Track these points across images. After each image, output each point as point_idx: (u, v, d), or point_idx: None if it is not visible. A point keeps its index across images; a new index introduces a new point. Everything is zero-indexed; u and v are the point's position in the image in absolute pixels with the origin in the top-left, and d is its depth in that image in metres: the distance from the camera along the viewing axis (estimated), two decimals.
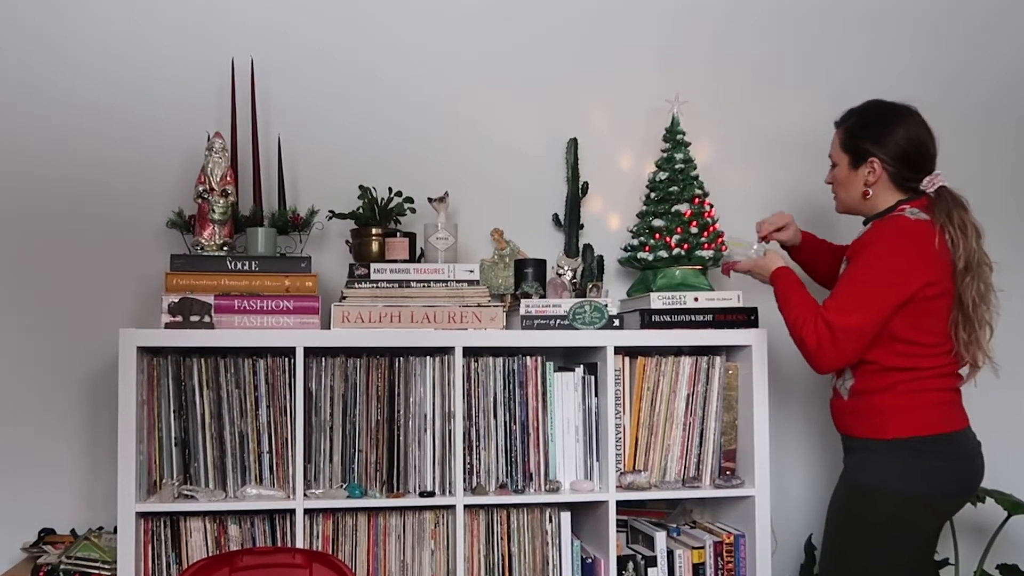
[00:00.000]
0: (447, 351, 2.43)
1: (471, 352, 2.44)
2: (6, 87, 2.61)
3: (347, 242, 2.60)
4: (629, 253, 2.72)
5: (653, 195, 2.71)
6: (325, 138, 2.72)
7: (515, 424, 2.47)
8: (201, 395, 2.36)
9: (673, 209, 2.65)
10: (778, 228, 2.48)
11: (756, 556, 2.49)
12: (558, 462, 2.50)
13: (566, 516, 2.48)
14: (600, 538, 2.49)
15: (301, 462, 2.33)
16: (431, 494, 2.40)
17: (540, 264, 2.63)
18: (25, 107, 2.61)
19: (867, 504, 2.18)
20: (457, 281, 2.47)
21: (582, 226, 2.80)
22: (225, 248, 2.42)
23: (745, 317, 2.55)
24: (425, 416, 2.43)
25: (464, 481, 2.41)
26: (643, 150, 2.85)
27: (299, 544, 2.32)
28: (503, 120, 2.82)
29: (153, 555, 2.32)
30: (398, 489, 2.41)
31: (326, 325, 2.41)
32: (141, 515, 2.30)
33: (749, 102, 2.93)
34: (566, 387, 2.51)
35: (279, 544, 2.35)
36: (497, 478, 2.46)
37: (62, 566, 2.30)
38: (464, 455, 2.42)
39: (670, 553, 2.51)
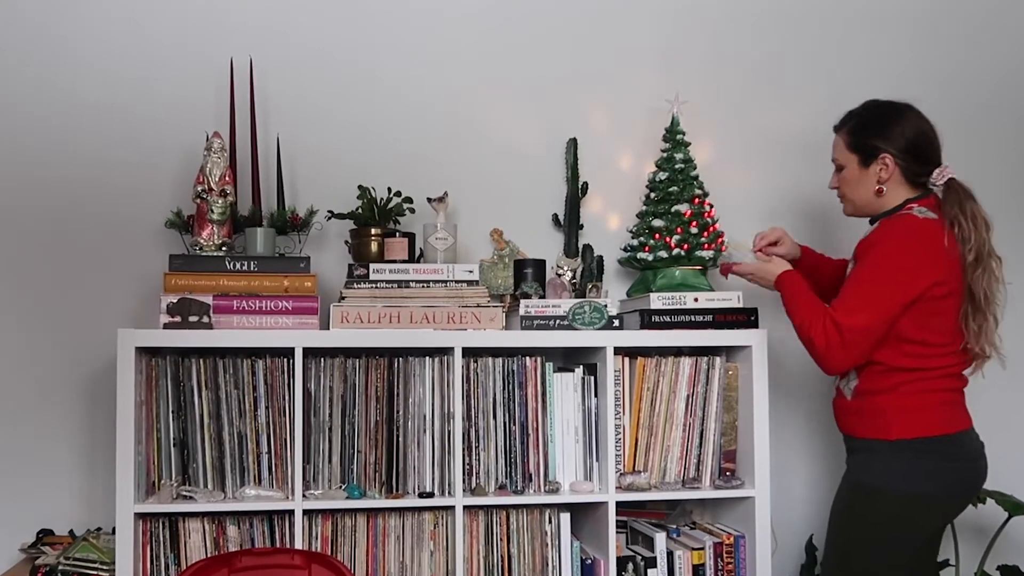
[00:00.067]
0: (446, 351, 2.43)
1: (470, 352, 2.44)
2: (5, 87, 2.60)
3: (346, 242, 2.59)
4: (629, 253, 2.71)
5: (653, 195, 2.71)
6: (324, 138, 2.71)
7: (514, 425, 2.47)
8: (200, 395, 2.36)
9: (673, 209, 2.64)
10: (772, 243, 2.44)
11: (756, 557, 2.49)
12: (558, 463, 2.50)
13: (566, 517, 2.47)
14: (600, 539, 2.49)
15: (300, 463, 2.33)
16: (430, 495, 2.40)
17: (540, 264, 2.62)
18: (24, 107, 2.61)
19: (870, 504, 2.17)
20: (456, 281, 2.47)
21: (582, 226, 2.79)
22: (224, 248, 2.42)
23: (745, 317, 2.55)
24: (424, 417, 2.43)
25: (463, 482, 2.41)
26: (643, 150, 2.84)
27: (298, 545, 2.32)
28: (502, 120, 2.82)
29: (152, 556, 2.32)
30: (397, 490, 2.41)
31: (325, 325, 2.41)
32: (140, 516, 2.30)
33: (749, 102, 2.93)
34: (566, 388, 2.51)
35: (278, 545, 2.35)
36: (496, 479, 2.46)
37: (60, 567, 2.30)
38: (463, 456, 2.41)
39: (670, 554, 2.50)
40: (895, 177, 2.24)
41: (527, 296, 2.54)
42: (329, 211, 2.59)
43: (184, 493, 2.32)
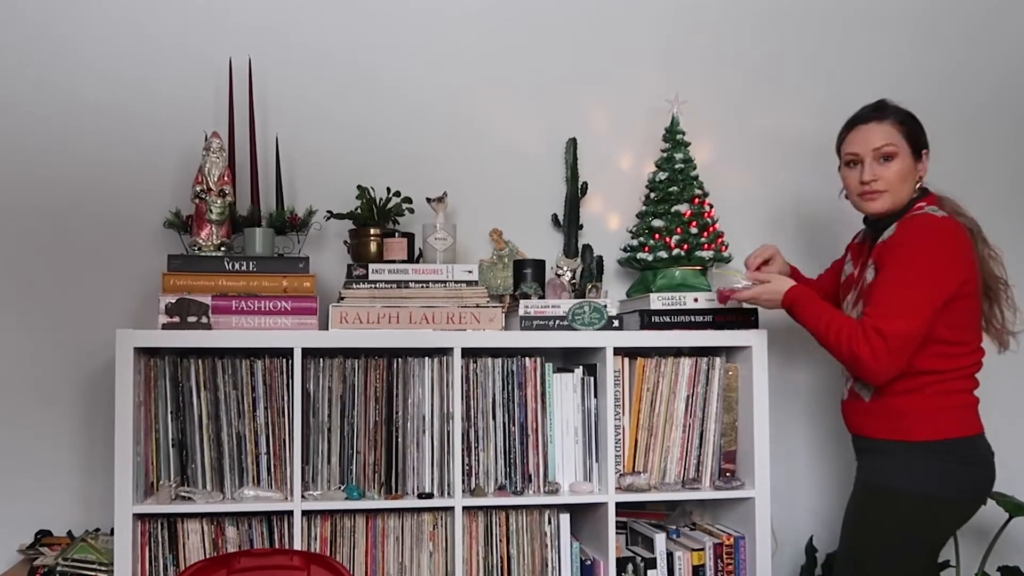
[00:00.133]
0: (446, 352, 2.42)
1: (470, 353, 2.43)
2: (4, 87, 2.60)
3: (345, 242, 2.59)
4: (628, 253, 2.71)
5: (653, 195, 2.70)
6: (323, 138, 2.71)
7: (514, 425, 2.46)
8: (198, 396, 2.35)
9: (673, 209, 2.64)
10: (765, 261, 2.43)
11: (756, 558, 2.48)
12: (557, 463, 2.49)
13: (565, 518, 2.47)
14: (599, 540, 2.48)
15: (299, 463, 2.32)
16: (429, 496, 2.39)
17: (539, 264, 2.62)
18: (23, 107, 2.60)
19: (888, 506, 2.15)
20: (456, 282, 2.46)
21: (581, 226, 2.79)
22: (223, 248, 2.41)
23: (745, 318, 2.55)
24: (423, 417, 2.42)
25: (463, 483, 2.40)
26: (643, 150, 2.84)
27: (297, 546, 2.31)
28: (502, 120, 2.82)
29: (150, 557, 2.31)
30: (396, 491, 2.40)
31: (324, 326, 2.40)
32: (138, 517, 2.29)
33: (749, 102, 2.92)
34: (565, 388, 2.50)
35: (277, 546, 2.35)
36: (496, 480, 2.45)
37: (59, 568, 2.30)
38: (463, 456, 2.41)
39: (670, 555, 2.50)
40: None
41: (526, 296, 2.54)
42: (328, 211, 2.59)
43: (183, 494, 2.32)
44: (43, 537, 2.50)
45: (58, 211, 2.60)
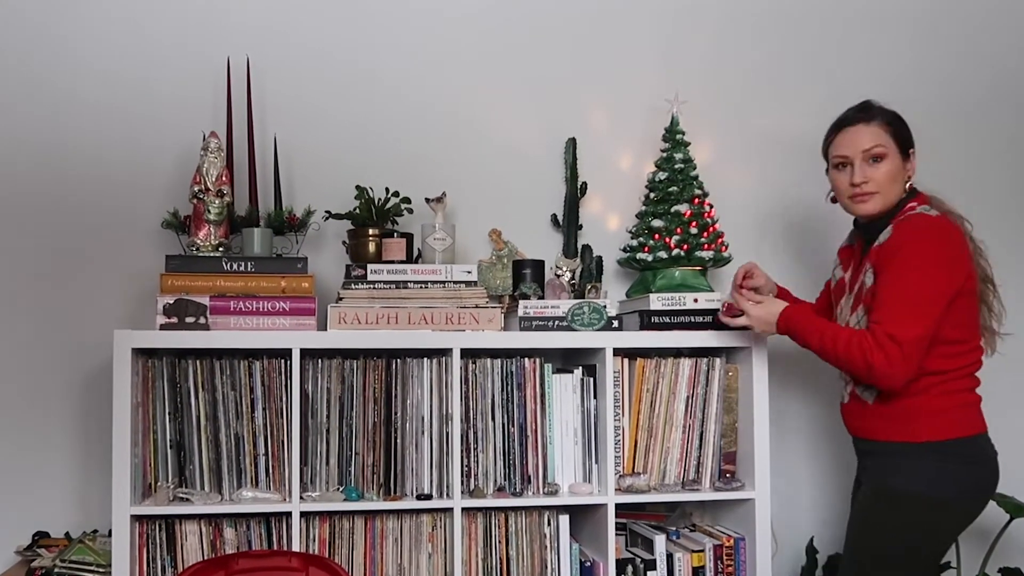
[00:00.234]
0: (445, 353, 2.42)
1: (469, 354, 2.43)
2: (3, 86, 2.59)
3: (344, 243, 2.58)
4: (628, 254, 2.70)
5: (652, 195, 2.70)
6: (322, 138, 2.70)
7: (513, 426, 2.45)
8: (196, 397, 2.35)
9: (672, 209, 2.63)
10: (749, 275, 2.40)
11: (756, 559, 2.48)
12: (557, 464, 2.48)
13: (564, 519, 2.46)
14: (599, 541, 2.47)
15: (297, 464, 2.31)
16: (428, 497, 2.38)
17: (538, 265, 2.61)
18: (21, 106, 2.60)
19: (894, 509, 2.14)
20: (455, 282, 2.45)
21: (581, 226, 2.78)
22: (221, 249, 2.40)
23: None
24: (422, 418, 2.41)
25: (462, 484, 2.39)
26: (642, 150, 2.83)
27: (295, 547, 2.31)
28: (501, 120, 2.81)
29: (148, 558, 2.31)
30: (395, 492, 2.40)
31: (322, 326, 2.40)
32: (136, 518, 2.28)
33: (749, 102, 2.92)
34: (565, 389, 2.50)
35: (275, 547, 2.34)
36: (495, 481, 2.44)
37: (56, 569, 2.29)
38: (462, 457, 2.40)
39: (669, 556, 2.49)
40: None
41: (526, 297, 2.53)
42: (327, 211, 2.58)
43: (181, 495, 2.31)
44: (40, 539, 2.50)
45: (55, 211, 2.60)
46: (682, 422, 2.53)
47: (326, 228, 2.63)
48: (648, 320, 2.50)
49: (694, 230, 2.61)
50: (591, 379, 2.50)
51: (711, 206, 2.67)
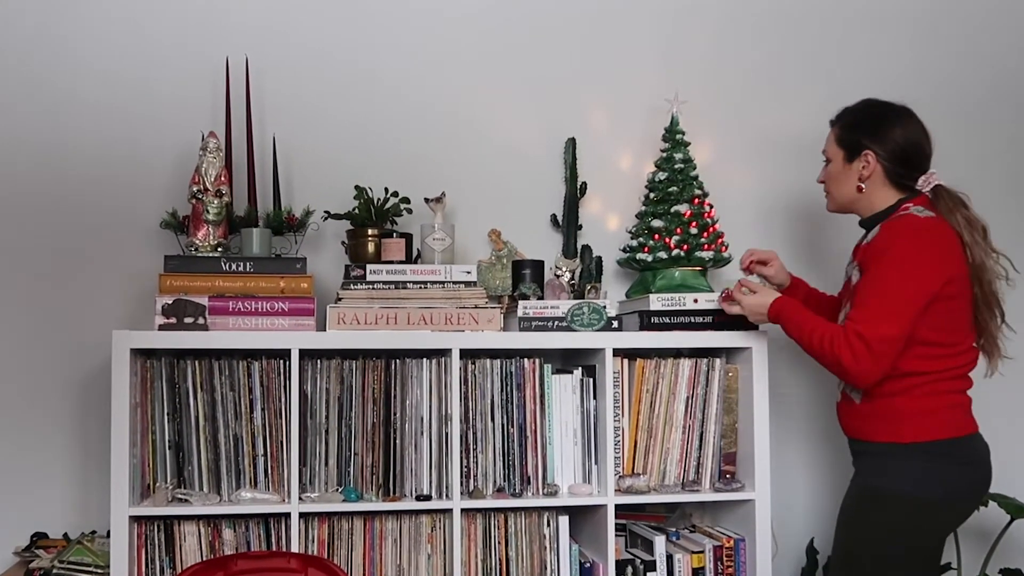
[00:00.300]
0: (444, 353, 2.41)
1: (468, 354, 2.42)
2: (1, 85, 2.58)
3: (343, 243, 2.57)
4: (628, 254, 2.70)
5: (652, 195, 2.69)
6: (320, 138, 2.70)
7: (513, 427, 2.45)
8: (195, 398, 2.34)
9: (672, 210, 2.63)
10: (762, 263, 2.44)
11: (756, 560, 2.47)
12: (556, 465, 2.48)
13: (564, 520, 2.46)
14: (599, 542, 2.47)
15: (296, 465, 2.31)
16: (428, 498, 2.38)
17: (538, 265, 2.60)
18: (19, 106, 2.59)
19: (881, 508, 2.15)
20: (454, 282, 2.45)
21: (580, 227, 2.78)
22: (219, 249, 2.40)
23: (745, 319, 2.52)
24: (422, 419, 2.41)
25: (461, 484, 2.39)
26: (642, 150, 2.83)
27: (294, 548, 2.30)
28: (501, 120, 2.80)
29: (146, 559, 2.30)
30: (394, 493, 2.39)
31: (321, 327, 2.39)
32: (134, 519, 2.28)
33: (749, 102, 2.92)
34: (564, 389, 2.49)
35: (274, 548, 2.34)
36: (494, 481, 2.44)
37: (54, 570, 2.29)
38: (461, 458, 2.39)
39: (669, 557, 2.49)
40: (877, 177, 2.24)
41: (525, 297, 2.53)
42: (326, 211, 2.58)
43: (179, 496, 2.30)
44: (39, 539, 2.49)
45: (53, 211, 2.59)
46: (682, 423, 2.53)
47: (325, 228, 2.63)
48: (648, 320, 2.50)
49: (694, 230, 2.60)
50: (591, 380, 2.50)
51: (711, 206, 2.66)
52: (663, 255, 2.60)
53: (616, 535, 2.45)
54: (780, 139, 2.91)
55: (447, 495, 2.39)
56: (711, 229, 2.63)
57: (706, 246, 2.61)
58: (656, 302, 2.51)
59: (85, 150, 2.61)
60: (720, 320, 2.52)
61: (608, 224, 2.84)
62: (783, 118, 2.92)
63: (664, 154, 2.71)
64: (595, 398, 2.49)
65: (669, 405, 2.53)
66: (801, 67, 2.96)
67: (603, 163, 2.84)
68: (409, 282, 2.43)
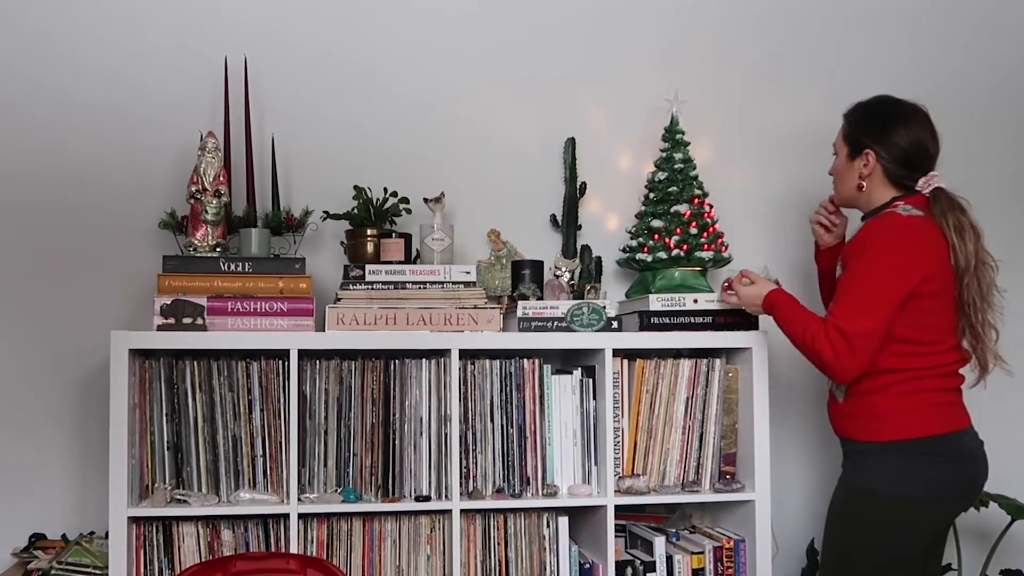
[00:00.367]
0: (443, 353, 2.40)
1: (467, 354, 2.42)
2: (1, 86, 2.58)
3: (342, 243, 2.57)
4: (628, 254, 2.69)
5: (652, 195, 2.69)
6: (319, 138, 2.69)
7: (512, 427, 2.44)
8: (194, 398, 2.33)
9: (672, 210, 2.62)
10: (837, 219, 2.48)
11: (756, 561, 2.47)
12: (556, 466, 2.47)
13: (564, 521, 2.45)
14: (598, 543, 2.46)
15: (295, 466, 2.30)
16: (427, 498, 2.37)
17: (537, 265, 2.60)
18: (17, 106, 2.59)
19: (864, 508, 2.16)
20: (453, 283, 2.44)
21: (580, 227, 2.77)
22: (218, 249, 2.39)
23: (745, 319, 2.53)
24: (421, 419, 2.40)
25: (460, 485, 2.38)
26: (642, 150, 2.82)
27: (293, 549, 2.29)
28: (500, 120, 2.80)
29: (145, 560, 2.30)
30: (393, 493, 2.38)
31: (320, 327, 2.39)
32: (133, 520, 2.27)
33: (749, 102, 2.91)
34: (564, 390, 2.49)
35: (273, 549, 2.33)
36: (494, 482, 2.43)
37: (53, 571, 2.29)
38: (460, 459, 2.39)
39: (669, 558, 2.48)
40: (877, 176, 2.25)
41: (525, 297, 2.52)
42: (324, 212, 2.57)
43: (178, 497, 2.30)
44: (37, 540, 2.49)
45: (52, 211, 2.58)
46: (682, 423, 2.52)
47: (324, 228, 2.62)
48: (647, 321, 2.49)
49: (694, 230, 2.60)
50: (590, 380, 2.49)
51: (711, 206, 2.66)
52: (663, 255, 2.59)
53: (616, 536, 2.45)
54: (780, 139, 2.91)
55: (446, 496, 2.39)
56: (711, 229, 2.62)
57: (706, 246, 2.60)
58: (656, 302, 2.51)
59: (83, 150, 2.60)
60: (720, 320, 2.51)
61: (608, 224, 2.83)
62: (783, 118, 2.92)
63: (664, 154, 2.70)
64: (595, 399, 2.49)
65: (669, 405, 2.52)
66: (801, 67, 2.95)
67: (603, 163, 2.83)
68: (408, 282, 2.43)
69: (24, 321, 2.56)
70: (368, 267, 2.43)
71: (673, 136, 2.70)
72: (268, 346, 2.31)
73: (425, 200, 2.56)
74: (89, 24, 2.62)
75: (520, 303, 2.47)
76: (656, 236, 2.62)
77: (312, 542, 2.35)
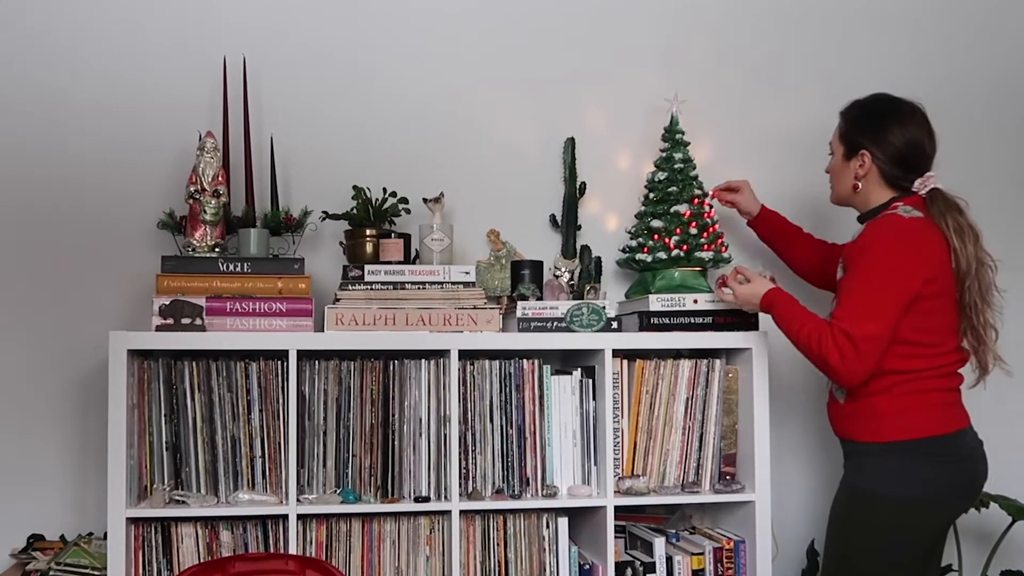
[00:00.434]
0: (442, 354, 2.40)
1: (467, 355, 2.41)
2: None
3: (341, 243, 2.57)
4: (627, 254, 2.69)
5: (652, 195, 2.68)
6: (318, 138, 2.69)
7: (512, 428, 2.44)
8: (192, 399, 2.33)
9: (672, 210, 2.62)
10: (733, 190, 2.55)
11: (757, 562, 2.46)
12: (555, 467, 2.47)
13: (563, 522, 2.45)
14: (598, 544, 2.46)
15: (294, 467, 2.30)
16: (426, 499, 2.37)
17: (537, 265, 2.59)
18: (15, 105, 2.58)
19: (866, 509, 2.16)
20: (453, 283, 2.44)
21: (579, 227, 2.77)
22: (217, 249, 2.39)
23: (745, 319, 2.52)
24: (420, 420, 2.40)
25: (460, 486, 2.38)
26: (642, 150, 2.82)
27: (292, 550, 2.29)
28: (499, 119, 2.79)
29: (144, 561, 2.29)
30: (393, 494, 2.38)
31: (319, 328, 2.38)
32: (132, 521, 2.27)
33: (749, 102, 2.91)
34: (563, 390, 2.48)
35: (272, 550, 2.33)
36: (493, 483, 2.43)
37: (51, 572, 2.28)
38: (460, 460, 2.38)
39: (669, 559, 2.48)
40: (872, 176, 2.25)
41: (524, 298, 2.52)
42: (323, 212, 2.57)
43: (177, 498, 2.29)
44: (35, 541, 2.48)
45: (50, 211, 2.58)
46: (682, 424, 2.52)
47: (323, 229, 2.62)
48: (647, 321, 2.49)
49: (694, 230, 2.59)
50: (590, 381, 2.49)
51: (711, 206, 2.65)
52: (663, 255, 2.59)
53: (616, 537, 2.44)
54: (780, 139, 2.90)
55: (446, 497, 2.38)
56: (711, 229, 2.62)
57: (706, 246, 2.60)
58: (656, 303, 2.50)
59: (82, 150, 2.60)
60: (720, 321, 2.51)
61: (607, 224, 2.83)
62: (783, 118, 2.91)
63: (664, 154, 2.70)
64: (594, 399, 2.48)
65: (669, 406, 2.52)
66: (801, 67, 2.95)
67: (602, 163, 2.83)
68: (407, 283, 2.42)
69: (22, 321, 2.56)
70: (367, 267, 2.42)
71: (673, 136, 2.69)
72: (267, 346, 2.31)
73: (424, 200, 2.55)
74: (89, 24, 2.61)
75: (520, 303, 2.47)
76: (656, 236, 2.62)
77: (311, 543, 2.34)
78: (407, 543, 2.39)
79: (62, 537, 2.51)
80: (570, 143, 2.78)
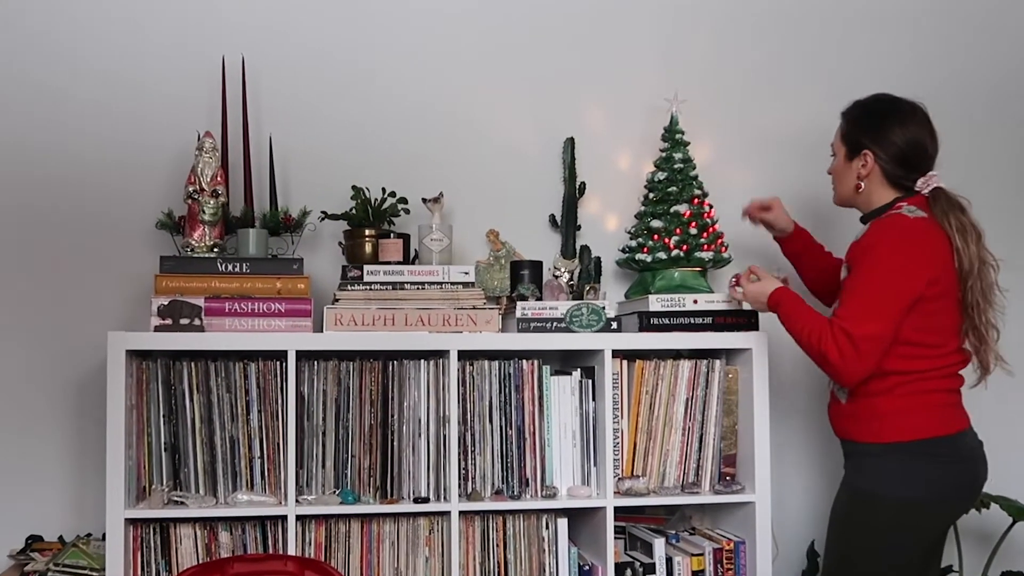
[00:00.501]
0: (442, 354, 2.40)
1: (466, 355, 2.41)
2: None
3: (340, 243, 2.56)
4: (627, 254, 2.68)
5: (651, 195, 2.68)
6: (317, 138, 2.69)
7: (511, 429, 2.43)
8: (191, 399, 2.32)
9: (672, 210, 2.61)
10: (766, 208, 2.50)
11: (757, 563, 2.46)
12: (555, 467, 2.46)
13: (563, 522, 2.44)
14: (598, 545, 2.45)
15: (293, 467, 2.29)
16: (425, 500, 2.36)
17: (536, 266, 2.59)
18: (14, 105, 2.58)
19: (866, 509, 2.15)
20: (452, 283, 2.44)
21: (579, 227, 2.76)
22: (215, 250, 2.39)
23: (745, 320, 2.52)
24: (419, 420, 2.39)
25: (459, 487, 2.37)
26: (641, 150, 2.82)
27: (291, 551, 2.29)
28: (499, 119, 2.79)
29: (142, 562, 2.29)
30: (392, 495, 2.38)
31: (318, 328, 2.38)
32: (130, 522, 2.26)
33: (749, 102, 2.90)
34: (563, 391, 2.48)
35: (271, 551, 2.32)
36: (493, 484, 2.42)
37: (49, 573, 2.28)
38: (459, 460, 2.38)
39: (669, 560, 2.47)
40: (875, 177, 2.24)
41: (524, 298, 2.51)
42: (322, 212, 2.56)
43: (175, 498, 2.29)
44: (34, 542, 2.48)
45: (48, 211, 2.58)
46: (681, 424, 2.51)
47: (322, 229, 2.61)
48: (647, 321, 2.49)
49: (694, 230, 2.59)
50: (590, 381, 2.48)
51: (711, 206, 2.65)
52: (662, 255, 2.58)
53: (615, 537, 2.44)
54: (780, 139, 2.90)
55: (445, 497, 2.38)
56: (711, 229, 2.61)
57: (706, 246, 2.59)
58: (655, 303, 2.50)
59: (81, 150, 2.59)
60: (720, 321, 2.51)
61: (607, 224, 2.82)
62: (783, 118, 2.91)
63: (663, 154, 2.69)
64: (594, 400, 2.48)
65: (669, 407, 2.51)
66: (801, 67, 2.95)
67: (602, 163, 2.82)
68: (407, 283, 2.42)
69: (21, 321, 2.55)
70: (366, 268, 2.42)
71: (673, 136, 2.69)
72: (266, 347, 2.30)
73: (424, 200, 2.55)
74: (89, 24, 2.61)
75: (519, 304, 2.47)
76: (656, 236, 2.61)
77: (310, 544, 2.34)
78: (406, 544, 2.38)
79: (60, 538, 2.50)
80: (570, 143, 2.77)
